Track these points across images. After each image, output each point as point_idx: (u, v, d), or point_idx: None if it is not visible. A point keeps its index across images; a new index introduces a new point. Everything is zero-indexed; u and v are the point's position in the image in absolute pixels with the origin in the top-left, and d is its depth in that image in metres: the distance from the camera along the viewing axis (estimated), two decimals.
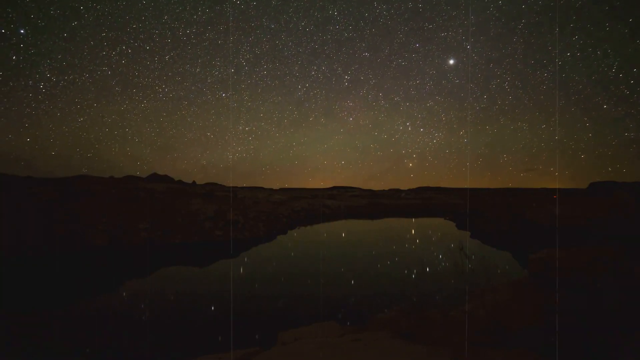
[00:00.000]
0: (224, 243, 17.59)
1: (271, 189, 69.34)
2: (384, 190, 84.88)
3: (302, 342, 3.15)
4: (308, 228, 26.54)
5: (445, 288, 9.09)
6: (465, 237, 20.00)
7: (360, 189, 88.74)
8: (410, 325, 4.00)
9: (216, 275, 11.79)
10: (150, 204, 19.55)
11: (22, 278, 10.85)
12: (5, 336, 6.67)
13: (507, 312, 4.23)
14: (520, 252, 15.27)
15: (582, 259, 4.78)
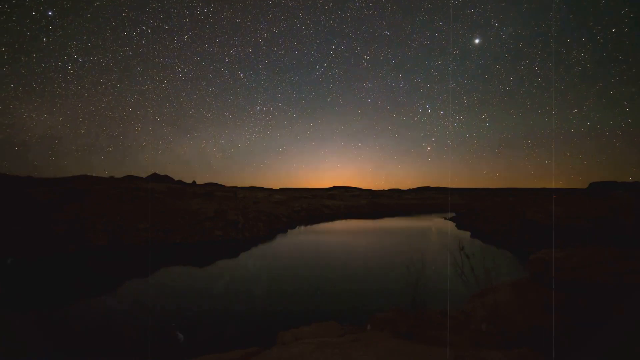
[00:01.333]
0: (224, 243, 17.59)
1: (271, 189, 69.41)
2: (384, 190, 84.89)
3: (302, 342, 3.14)
4: (308, 228, 26.55)
5: (445, 288, 9.08)
6: (465, 237, 20.00)
7: (360, 189, 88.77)
8: (410, 325, 4.00)
9: (216, 275, 11.79)
10: (150, 204, 19.55)
11: (23, 278, 10.85)
12: (6, 336, 6.67)
13: (507, 312, 4.22)
14: (520, 252, 15.26)
15: (581, 259, 4.78)
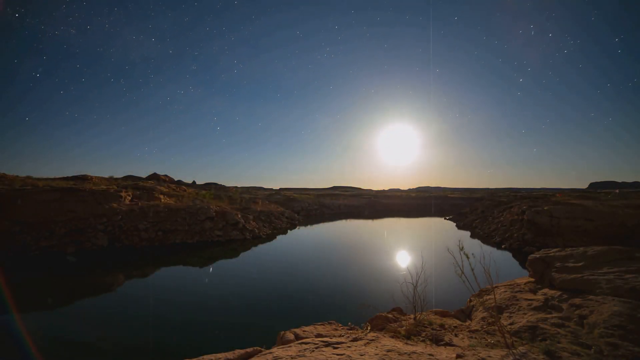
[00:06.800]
0: (224, 243, 17.59)
1: (271, 189, 69.48)
2: (384, 190, 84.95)
3: (302, 341, 3.15)
4: (308, 228, 26.55)
5: (445, 288, 9.10)
6: (465, 237, 20.01)
7: (360, 189, 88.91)
8: (410, 325, 4.01)
9: (216, 275, 11.79)
10: (150, 204, 19.54)
11: (23, 277, 10.85)
12: (7, 334, 6.67)
13: (507, 311, 4.23)
14: (520, 251, 15.27)
15: (580, 259, 4.79)
